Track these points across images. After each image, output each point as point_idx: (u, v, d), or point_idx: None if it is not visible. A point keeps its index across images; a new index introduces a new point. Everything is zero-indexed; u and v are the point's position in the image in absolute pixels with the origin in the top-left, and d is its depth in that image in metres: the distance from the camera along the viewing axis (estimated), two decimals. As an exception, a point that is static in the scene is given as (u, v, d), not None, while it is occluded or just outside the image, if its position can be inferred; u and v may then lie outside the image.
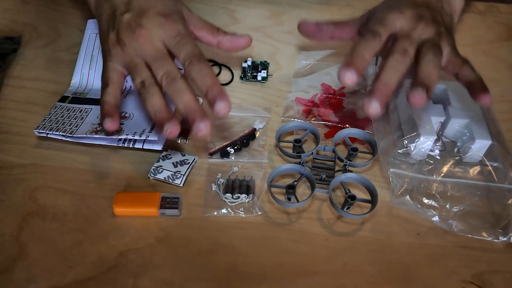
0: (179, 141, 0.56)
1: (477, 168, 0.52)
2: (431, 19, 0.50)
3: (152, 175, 0.52)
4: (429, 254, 0.48)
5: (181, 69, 0.54)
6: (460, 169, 0.52)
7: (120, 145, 0.54)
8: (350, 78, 0.45)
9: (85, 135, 0.53)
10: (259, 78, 0.63)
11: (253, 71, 0.64)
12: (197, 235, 0.49)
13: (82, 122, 0.56)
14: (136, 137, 0.53)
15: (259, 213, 0.50)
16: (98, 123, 0.55)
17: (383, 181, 0.53)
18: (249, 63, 0.64)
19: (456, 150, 0.54)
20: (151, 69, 0.49)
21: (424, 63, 0.46)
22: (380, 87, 0.45)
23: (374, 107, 0.44)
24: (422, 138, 0.51)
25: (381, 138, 0.54)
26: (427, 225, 0.49)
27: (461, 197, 0.50)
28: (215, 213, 0.50)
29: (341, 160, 0.53)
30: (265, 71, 0.64)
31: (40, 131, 0.54)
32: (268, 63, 0.65)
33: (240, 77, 0.64)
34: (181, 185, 0.52)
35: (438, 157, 0.52)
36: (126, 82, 0.61)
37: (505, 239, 0.48)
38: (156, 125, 0.54)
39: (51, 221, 0.49)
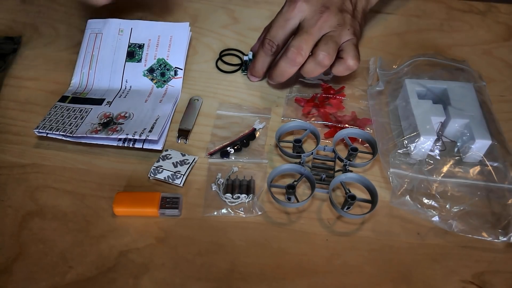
0: (179, 141, 0.56)
1: (477, 168, 0.52)
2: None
3: (152, 175, 0.52)
4: (429, 254, 0.48)
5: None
6: (460, 169, 0.52)
7: (120, 144, 0.54)
8: (254, 80, 0.63)
9: (85, 135, 0.53)
10: None
11: None
12: (197, 235, 0.49)
13: (82, 122, 0.56)
14: (136, 137, 0.53)
15: (259, 213, 0.50)
16: (98, 123, 0.56)
17: (383, 181, 0.53)
18: (250, 56, 0.64)
19: (456, 150, 0.54)
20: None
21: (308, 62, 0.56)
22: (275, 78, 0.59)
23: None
24: (422, 138, 0.51)
25: (381, 138, 0.54)
26: (427, 225, 0.49)
27: (461, 197, 0.50)
28: (215, 213, 0.50)
29: (341, 160, 0.53)
30: None
31: (40, 130, 0.54)
32: None
33: (242, 69, 0.64)
34: (181, 185, 0.52)
35: (438, 157, 0.52)
36: (126, 82, 0.62)
37: (505, 239, 0.48)
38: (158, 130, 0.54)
39: (51, 221, 0.49)
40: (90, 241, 0.48)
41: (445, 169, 0.52)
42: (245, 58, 0.64)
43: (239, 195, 0.51)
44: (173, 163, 0.53)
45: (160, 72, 0.62)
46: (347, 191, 0.49)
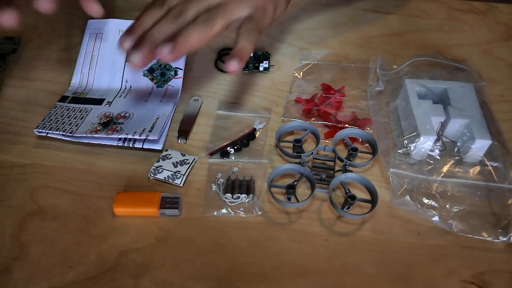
0: (179, 141, 0.56)
1: (477, 168, 0.52)
2: None
3: (152, 175, 0.52)
4: (429, 254, 0.48)
5: None
6: (460, 169, 0.52)
7: (120, 144, 0.54)
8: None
9: (85, 135, 0.53)
10: (261, 68, 0.63)
11: (254, 62, 0.64)
12: (197, 235, 0.49)
13: (82, 122, 0.56)
14: (136, 137, 0.53)
15: (259, 213, 0.50)
16: (98, 123, 0.56)
17: (383, 181, 0.53)
18: (251, 54, 0.64)
19: (456, 150, 0.54)
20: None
21: (240, 37, 0.51)
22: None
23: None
24: (422, 138, 0.51)
25: (381, 138, 0.54)
26: (427, 225, 0.49)
27: (461, 197, 0.50)
28: (215, 213, 0.50)
29: (341, 160, 0.53)
30: (267, 62, 0.64)
31: (40, 130, 0.54)
32: (270, 54, 0.65)
33: (243, 68, 0.64)
34: (181, 185, 0.52)
35: (438, 157, 0.52)
36: (126, 82, 0.62)
37: (505, 239, 0.48)
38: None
39: (51, 221, 0.49)
40: (90, 241, 0.48)
41: (445, 169, 0.52)
42: None
43: (239, 195, 0.51)
44: (173, 163, 0.53)
45: (160, 72, 0.62)
46: (347, 191, 0.49)
